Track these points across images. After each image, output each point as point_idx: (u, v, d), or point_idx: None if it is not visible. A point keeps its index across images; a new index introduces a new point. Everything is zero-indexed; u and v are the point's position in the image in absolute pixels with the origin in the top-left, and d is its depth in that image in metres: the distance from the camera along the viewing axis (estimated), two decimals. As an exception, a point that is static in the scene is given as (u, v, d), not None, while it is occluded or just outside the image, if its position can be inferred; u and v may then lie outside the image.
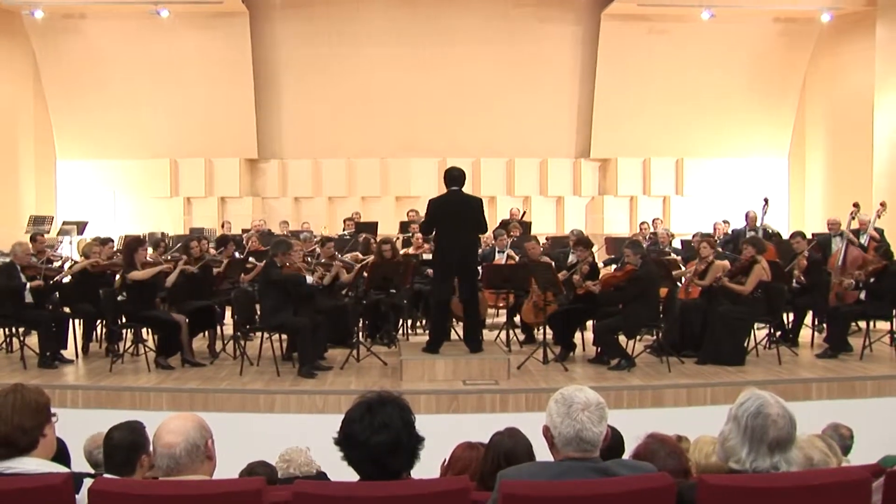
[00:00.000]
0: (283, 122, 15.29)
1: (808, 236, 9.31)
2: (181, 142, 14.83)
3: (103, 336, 8.49)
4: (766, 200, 10.71)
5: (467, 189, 7.41)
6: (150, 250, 8.46)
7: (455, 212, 7.08)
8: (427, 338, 7.48)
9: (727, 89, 14.90)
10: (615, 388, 6.69)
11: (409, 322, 9.54)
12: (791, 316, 8.72)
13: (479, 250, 9.95)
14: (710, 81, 14.84)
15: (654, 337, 8.12)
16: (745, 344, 7.79)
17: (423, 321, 9.82)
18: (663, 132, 15.03)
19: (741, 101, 15.02)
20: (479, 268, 8.91)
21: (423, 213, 12.06)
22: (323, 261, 8.53)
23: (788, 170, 15.61)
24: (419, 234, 10.64)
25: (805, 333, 8.77)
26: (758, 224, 10.55)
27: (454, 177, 7.17)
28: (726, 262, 8.25)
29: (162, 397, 6.58)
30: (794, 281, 8.59)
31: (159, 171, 14.92)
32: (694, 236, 9.76)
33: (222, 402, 6.56)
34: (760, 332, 8.29)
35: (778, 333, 8.18)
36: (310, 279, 7.33)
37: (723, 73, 14.85)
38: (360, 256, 9.35)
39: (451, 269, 7.18)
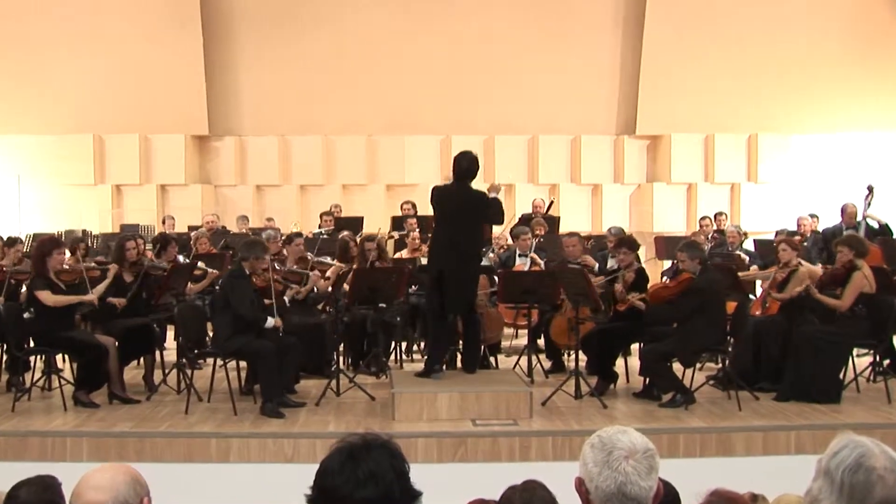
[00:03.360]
0: (240, 88, 15.32)
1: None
2: (109, 113, 14.85)
3: (4, 365, 8.47)
4: (869, 189, 10.68)
5: (477, 178, 7.71)
6: (67, 254, 8.44)
7: (456, 210, 7.45)
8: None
9: (817, 44, 14.87)
10: (669, 431, 6.69)
11: (404, 345, 9.55)
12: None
13: (494, 255, 10.01)
14: (794, 35, 14.82)
15: (719, 365, 8.08)
16: (841, 375, 7.75)
17: (422, 344, 9.82)
18: (731, 101, 15.01)
19: (836, 60, 14.97)
20: (495, 276, 8.96)
21: (420, 206, 12.13)
22: (295, 267, 8.54)
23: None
24: (416, 234, 10.65)
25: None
26: (858, 219, 10.53)
27: (465, 169, 7.51)
28: (816, 268, 8.21)
29: (82, 444, 6.55)
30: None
31: (79, 150, 14.93)
32: (777, 234, 9.73)
33: (162, 449, 6.55)
34: (861, 360, 8.25)
35: (885, 362, 8.15)
36: (270, 322, 7.27)
37: (811, 23, 14.84)
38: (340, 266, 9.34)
39: (446, 274, 7.43)
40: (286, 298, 7.65)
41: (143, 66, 14.67)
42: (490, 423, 6.79)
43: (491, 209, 7.60)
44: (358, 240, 9.82)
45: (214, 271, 8.72)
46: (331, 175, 15.41)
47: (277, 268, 8.20)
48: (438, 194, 7.60)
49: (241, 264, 7.41)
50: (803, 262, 8.28)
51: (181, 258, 9.42)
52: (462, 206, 7.45)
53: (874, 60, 15.11)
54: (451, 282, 7.42)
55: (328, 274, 8.76)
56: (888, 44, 15.05)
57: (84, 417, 7.07)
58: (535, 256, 9.72)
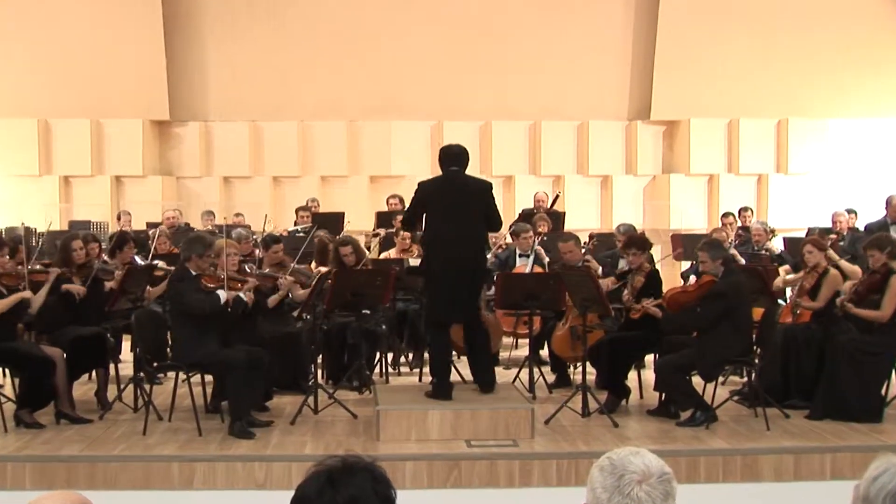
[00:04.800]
0: (206, 69, 15.31)
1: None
2: (57, 96, 14.83)
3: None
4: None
5: (472, 169, 7.61)
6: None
7: (453, 201, 7.31)
8: (418, 378, 7.53)
9: (855, 17, 14.89)
10: (687, 453, 6.70)
11: (390, 356, 9.54)
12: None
13: (491, 254, 10.01)
14: (829, 8, 14.84)
15: (745, 379, 8.08)
16: (883, 391, 7.77)
17: (410, 355, 9.82)
18: (758, 82, 15.05)
19: (877, 35, 14.98)
20: (494, 277, 8.96)
21: (409, 200, 12.08)
22: (267, 270, 8.52)
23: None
24: (405, 232, 10.65)
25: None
26: None
27: (454, 154, 7.43)
28: (856, 268, 8.22)
29: (25, 470, 6.52)
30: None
31: (22, 136, 14.88)
32: (809, 232, 9.73)
33: (116, 474, 6.52)
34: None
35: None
36: (222, 296, 7.24)
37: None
38: (315, 269, 9.31)
39: (448, 278, 7.30)
40: (243, 296, 7.56)
41: (95, 42, 14.64)
42: (487, 444, 6.78)
43: (492, 207, 7.48)
44: (332, 239, 9.78)
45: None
46: (308, 165, 15.39)
47: (248, 269, 8.18)
48: (426, 188, 7.45)
49: (185, 265, 7.40)
50: (843, 262, 8.27)
51: (138, 259, 9.39)
52: (460, 196, 7.32)
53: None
54: (457, 286, 7.31)
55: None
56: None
57: (27, 439, 7.03)
58: (541, 251, 9.70)
